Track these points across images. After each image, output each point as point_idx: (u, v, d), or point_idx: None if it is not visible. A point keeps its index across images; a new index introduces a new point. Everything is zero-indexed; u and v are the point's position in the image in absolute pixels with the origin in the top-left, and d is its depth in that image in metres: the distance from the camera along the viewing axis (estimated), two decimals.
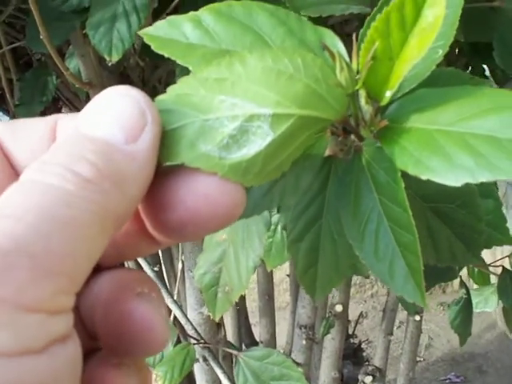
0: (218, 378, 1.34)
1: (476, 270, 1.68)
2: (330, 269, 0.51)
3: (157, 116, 0.29)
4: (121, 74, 1.25)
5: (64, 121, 0.31)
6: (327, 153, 0.43)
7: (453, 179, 0.35)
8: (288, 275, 2.01)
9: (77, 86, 1.08)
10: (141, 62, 1.21)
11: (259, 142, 0.30)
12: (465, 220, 0.54)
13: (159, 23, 0.44)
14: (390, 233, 0.40)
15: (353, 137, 0.42)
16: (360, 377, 1.98)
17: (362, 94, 0.40)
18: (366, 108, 0.40)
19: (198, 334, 1.09)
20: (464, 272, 1.63)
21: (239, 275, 0.78)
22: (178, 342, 1.14)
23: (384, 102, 0.40)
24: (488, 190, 0.71)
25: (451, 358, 3.30)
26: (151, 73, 1.26)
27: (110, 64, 0.90)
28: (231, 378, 1.04)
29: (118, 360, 0.30)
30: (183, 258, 1.34)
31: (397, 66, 0.38)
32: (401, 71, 0.38)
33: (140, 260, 1.11)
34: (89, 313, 0.30)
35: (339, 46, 0.42)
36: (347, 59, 0.40)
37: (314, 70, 0.33)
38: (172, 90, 0.31)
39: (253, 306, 2.42)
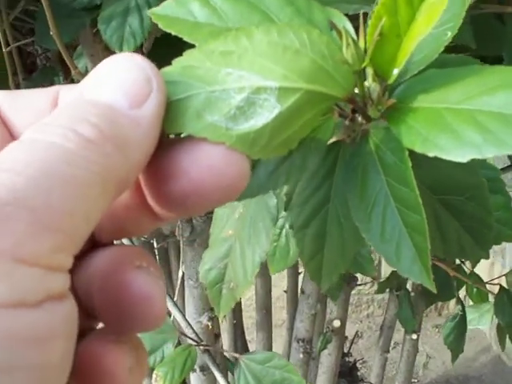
0: None
1: (475, 289, 1.67)
2: (336, 254, 0.51)
3: (162, 84, 0.29)
4: None
5: (66, 90, 0.31)
6: (335, 139, 0.43)
7: (460, 155, 0.35)
8: (285, 291, 2.01)
9: None
10: None
11: (266, 114, 0.30)
12: (474, 213, 0.53)
13: (167, 2, 0.44)
14: (397, 214, 0.40)
15: (360, 120, 0.42)
16: None
17: (369, 71, 0.40)
18: (374, 86, 0.40)
19: (199, 337, 1.09)
20: (461, 293, 1.63)
21: (245, 271, 0.77)
22: (178, 345, 1.13)
23: (391, 80, 0.40)
24: (497, 185, 0.71)
25: (445, 380, 3.28)
26: None
27: None
28: None
29: (115, 336, 0.30)
30: (183, 267, 1.34)
31: (404, 43, 0.38)
32: (408, 48, 0.38)
33: None
34: (86, 288, 0.30)
35: (347, 24, 0.42)
36: (355, 36, 0.40)
37: (320, 46, 0.33)
38: (177, 62, 0.30)
39: (249, 322, 2.40)
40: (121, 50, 0.89)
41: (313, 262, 0.52)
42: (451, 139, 0.35)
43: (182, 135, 0.29)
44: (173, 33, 0.42)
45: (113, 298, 0.29)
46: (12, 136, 0.30)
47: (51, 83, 1.22)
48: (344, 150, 0.46)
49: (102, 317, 0.30)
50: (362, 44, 0.39)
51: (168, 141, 0.30)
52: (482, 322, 1.80)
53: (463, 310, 1.57)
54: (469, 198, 0.53)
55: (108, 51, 0.95)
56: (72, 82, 1.27)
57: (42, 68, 1.30)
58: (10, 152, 0.25)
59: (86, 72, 1.12)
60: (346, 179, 0.44)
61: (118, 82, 0.28)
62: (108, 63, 0.29)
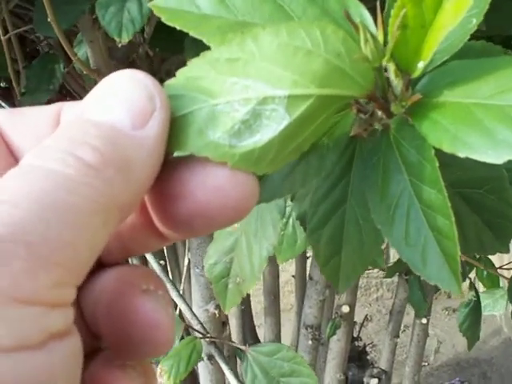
0: (223, 378, 1.32)
1: (485, 272, 1.65)
2: (354, 257, 0.49)
3: (166, 101, 0.27)
4: (129, 65, 1.23)
5: (68, 108, 0.30)
6: (351, 133, 0.41)
7: (494, 156, 0.32)
8: (293, 276, 2.00)
9: (85, 73, 1.06)
10: (150, 52, 1.19)
11: (274, 126, 0.28)
12: (493, 206, 0.51)
13: None
14: (422, 216, 0.37)
15: (380, 114, 0.39)
16: (365, 379, 1.97)
17: (391, 66, 0.37)
18: (396, 81, 0.37)
19: (204, 328, 1.07)
20: (472, 275, 1.61)
21: (251, 265, 0.75)
22: (183, 337, 1.11)
23: (416, 74, 0.37)
24: None
25: (456, 363, 3.29)
26: (160, 64, 1.24)
27: (119, 45, 0.88)
28: (237, 376, 1.02)
29: (121, 361, 0.29)
30: (189, 254, 1.33)
31: (430, 35, 0.35)
32: (435, 40, 0.35)
33: (146, 253, 1.09)
34: (92, 310, 0.29)
35: (364, 14, 0.39)
36: (373, 29, 0.37)
37: (335, 43, 0.31)
38: (181, 73, 0.29)
39: (258, 307, 2.40)
40: (119, 36, 0.87)
41: (329, 266, 0.50)
42: (483, 137, 0.33)
43: (187, 153, 0.28)
44: (177, 27, 0.39)
45: (119, 324, 0.28)
46: (14, 156, 0.30)
47: (52, 71, 1.20)
48: (361, 145, 0.44)
49: (108, 341, 0.29)
50: (381, 37, 0.36)
51: (173, 159, 0.28)
52: (497, 308, 1.79)
53: (477, 296, 1.55)
54: (488, 191, 0.51)
55: (108, 37, 0.93)
56: (74, 69, 1.25)
57: (42, 55, 1.28)
58: (7, 181, 0.24)
59: (87, 59, 1.10)
60: (365, 177, 0.41)
61: (119, 100, 0.27)
62: (109, 81, 0.28)
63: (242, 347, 1.03)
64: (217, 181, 0.27)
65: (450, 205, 0.35)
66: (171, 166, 0.28)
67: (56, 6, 0.91)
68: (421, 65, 0.36)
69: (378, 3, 0.37)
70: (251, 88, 0.28)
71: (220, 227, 0.29)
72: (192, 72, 0.29)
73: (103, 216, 0.24)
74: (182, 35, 0.40)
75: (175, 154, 0.29)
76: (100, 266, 0.30)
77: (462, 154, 0.33)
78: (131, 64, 1.23)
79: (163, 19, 0.39)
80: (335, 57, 0.30)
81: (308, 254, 1.84)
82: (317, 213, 0.49)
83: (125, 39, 0.87)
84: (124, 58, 1.19)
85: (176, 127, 0.28)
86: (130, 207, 0.27)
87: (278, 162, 0.30)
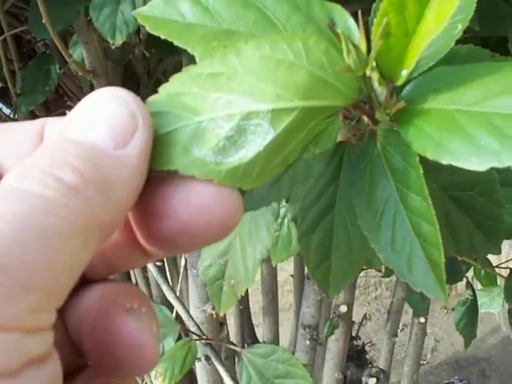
0: (220, 378, 1.32)
1: (483, 271, 1.65)
2: (343, 262, 0.49)
3: (148, 119, 0.27)
4: (125, 66, 1.23)
5: (52, 124, 0.29)
6: (339, 138, 0.41)
7: (477, 163, 0.32)
8: (292, 275, 2.00)
9: (80, 74, 1.06)
10: (146, 53, 1.19)
11: (259, 141, 0.28)
12: (484, 208, 0.51)
13: (154, 1, 0.41)
14: (407, 223, 0.37)
15: (366, 120, 0.39)
16: (364, 379, 1.97)
17: (375, 75, 0.37)
18: (380, 90, 0.37)
19: (200, 330, 1.07)
20: (469, 274, 1.61)
21: (246, 268, 0.75)
22: (180, 338, 1.11)
23: (400, 82, 0.37)
24: (508, 177, 0.68)
25: (455, 361, 3.29)
26: (156, 65, 1.24)
27: (113, 47, 0.87)
28: (234, 377, 1.02)
29: (105, 379, 0.29)
30: (186, 254, 1.32)
31: (413, 43, 0.35)
32: (418, 48, 0.35)
33: None
34: (76, 326, 0.29)
35: (349, 22, 0.39)
36: (357, 37, 0.37)
37: (317, 54, 0.31)
38: (164, 89, 0.29)
39: (256, 307, 2.40)
40: (113, 38, 0.87)
41: (320, 270, 0.50)
42: (466, 144, 0.32)
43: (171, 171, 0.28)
44: (162, 36, 0.39)
45: (103, 341, 0.27)
46: None
47: (47, 72, 1.20)
48: (349, 151, 0.44)
49: (92, 358, 0.28)
50: (363, 45, 0.36)
51: (157, 176, 0.28)
52: (494, 306, 1.78)
53: (474, 295, 1.54)
54: (479, 193, 0.51)
55: (103, 39, 0.93)
56: (70, 70, 1.25)
57: (38, 56, 1.28)
58: None
59: (82, 60, 1.10)
60: (353, 183, 0.41)
61: (101, 119, 0.27)
62: (91, 99, 0.27)
63: (237, 349, 1.03)
64: (201, 198, 0.27)
65: (434, 212, 0.35)
66: (154, 182, 0.28)
67: (51, 7, 0.90)
68: (404, 73, 0.36)
69: (359, 11, 0.37)
70: (235, 103, 0.28)
71: (205, 244, 0.29)
72: (174, 88, 0.28)
73: (83, 237, 0.24)
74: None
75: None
76: (85, 281, 0.30)
77: (445, 161, 0.33)
78: (127, 65, 1.23)
79: (147, 28, 0.39)
80: (318, 68, 0.30)
81: None
82: (306, 218, 0.49)
83: (118, 41, 0.87)
84: (120, 59, 1.19)
85: (160, 145, 0.28)
86: (111, 226, 0.26)
87: (264, 176, 0.29)
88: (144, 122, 0.27)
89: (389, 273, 1.79)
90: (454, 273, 1.46)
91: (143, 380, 1.47)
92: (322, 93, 0.31)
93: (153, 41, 1.12)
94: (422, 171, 0.35)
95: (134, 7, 0.86)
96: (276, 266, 1.87)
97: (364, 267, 1.73)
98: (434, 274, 0.36)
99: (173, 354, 1.04)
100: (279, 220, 0.85)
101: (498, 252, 0.56)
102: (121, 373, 0.28)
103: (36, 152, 0.26)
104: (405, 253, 0.37)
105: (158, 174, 0.28)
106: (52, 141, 0.27)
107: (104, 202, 0.25)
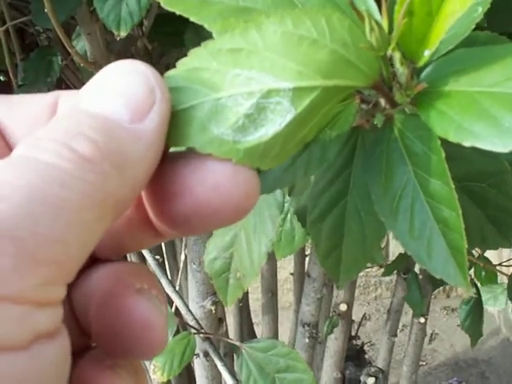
0: (219, 375, 1.31)
1: (483, 272, 1.65)
2: (356, 250, 0.48)
3: (166, 94, 0.26)
4: (128, 58, 1.22)
5: (66, 97, 0.29)
6: (354, 123, 0.40)
7: (500, 144, 0.31)
8: (292, 274, 1.99)
9: (82, 65, 1.06)
10: (149, 46, 1.18)
11: (278, 120, 0.27)
12: (496, 200, 0.50)
13: None
14: (427, 208, 0.36)
15: (383, 104, 0.39)
16: (362, 378, 1.97)
17: (397, 54, 0.36)
18: (402, 70, 0.36)
19: (199, 324, 1.06)
20: (470, 272, 1.61)
21: (251, 261, 0.75)
22: (178, 333, 1.11)
23: (422, 63, 0.36)
24: None
25: (454, 362, 3.29)
26: (159, 58, 1.23)
27: (118, 38, 0.87)
28: (232, 373, 1.01)
29: (112, 361, 0.28)
30: (186, 250, 1.32)
31: (437, 22, 0.34)
32: (441, 28, 0.34)
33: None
34: (83, 307, 0.28)
35: (369, 1, 0.38)
36: (378, 17, 0.36)
37: (341, 32, 0.30)
38: (182, 64, 0.28)
39: (256, 305, 2.40)
40: (118, 29, 0.87)
41: (330, 259, 0.49)
42: (489, 126, 0.32)
43: (187, 148, 0.27)
44: (177, 12, 0.38)
45: (110, 324, 0.27)
46: (8, 146, 0.28)
47: (49, 63, 1.20)
48: (363, 137, 0.43)
49: (98, 339, 0.28)
50: (385, 25, 0.35)
51: (173, 154, 0.28)
52: (498, 303, 1.78)
53: (478, 293, 1.54)
54: (491, 185, 0.50)
55: (106, 30, 0.92)
56: (72, 62, 1.24)
57: (39, 48, 1.28)
58: None
59: (85, 53, 1.09)
60: (367, 169, 0.40)
61: (118, 92, 0.26)
62: (108, 71, 0.27)
63: (237, 343, 1.02)
64: (217, 178, 0.26)
65: (456, 196, 0.35)
66: (170, 161, 0.27)
67: None
68: (427, 53, 0.35)
69: None
70: (255, 80, 0.27)
71: (218, 226, 0.28)
72: (193, 63, 0.28)
73: (97, 212, 0.24)
74: (183, 28, 0.39)
75: (173, 149, 0.28)
76: (94, 261, 0.29)
77: (467, 144, 0.32)
78: (130, 58, 1.22)
79: (162, 3, 0.38)
80: (341, 46, 0.30)
81: (307, 252, 1.84)
82: (317, 205, 0.48)
83: (123, 32, 0.87)
84: (122, 52, 1.18)
85: (177, 121, 0.27)
86: (125, 203, 0.26)
87: (283, 155, 0.29)
88: (162, 96, 0.26)
89: (389, 271, 1.79)
90: None
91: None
92: (344, 72, 0.30)
93: (156, 34, 1.12)
94: (443, 155, 0.35)
95: None
96: (276, 264, 1.87)
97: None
98: (455, 260, 0.36)
99: (171, 348, 1.03)
100: (282, 215, 0.85)
101: (509, 245, 0.56)
102: (127, 355, 0.28)
103: (49, 124, 0.25)
104: (424, 239, 0.37)
105: (173, 153, 0.27)
106: (66, 112, 0.26)
107: (119, 177, 0.25)
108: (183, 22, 0.39)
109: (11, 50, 1.29)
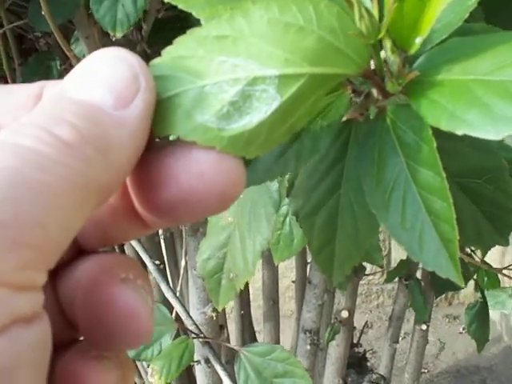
0: (220, 381, 1.31)
1: (486, 278, 1.64)
2: (349, 244, 0.47)
3: (151, 81, 0.26)
4: None
5: (51, 86, 0.28)
6: (346, 117, 0.40)
7: (493, 132, 0.31)
8: (293, 281, 1.99)
9: None
10: (148, 50, 1.18)
11: (264, 108, 0.27)
12: (492, 197, 0.50)
13: None
14: (419, 200, 0.36)
15: (376, 95, 0.38)
16: None
17: (387, 42, 0.36)
18: (393, 58, 0.36)
19: (199, 329, 1.06)
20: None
21: (245, 260, 0.74)
22: (177, 337, 1.11)
23: (413, 51, 0.36)
24: None
25: (456, 370, 3.28)
26: None
27: (114, 39, 0.87)
28: (233, 379, 1.01)
29: (97, 352, 0.28)
30: (187, 256, 1.32)
31: (428, 7, 0.34)
32: (433, 13, 0.34)
33: (141, 253, 1.08)
34: (69, 299, 0.28)
35: None
36: (368, 3, 0.36)
37: (329, 19, 0.30)
38: (167, 52, 0.28)
39: (257, 313, 2.40)
40: (114, 30, 0.87)
41: (323, 254, 0.49)
42: (481, 114, 0.31)
43: (172, 137, 0.27)
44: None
45: (96, 313, 0.27)
46: None
47: (47, 68, 1.20)
48: (356, 129, 0.43)
49: (84, 330, 0.28)
50: (375, 11, 0.35)
51: (157, 143, 0.27)
52: (507, 307, 1.77)
53: (483, 297, 1.53)
54: (487, 181, 0.50)
55: (104, 33, 0.92)
56: (70, 66, 1.24)
57: (38, 53, 1.28)
58: None
59: (83, 56, 1.09)
60: (360, 162, 0.40)
61: (102, 78, 0.26)
62: (93, 58, 0.27)
63: (236, 347, 1.02)
64: (202, 166, 0.26)
65: (447, 186, 0.34)
66: (155, 149, 0.27)
67: None
68: (418, 40, 0.35)
69: None
70: (240, 67, 0.27)
71: (204, 215, 0.28)
72: (179, 51, 0.27)
73: (78, 196, 0.24)
74: (182, 33, 0.39)
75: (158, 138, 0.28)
76: (80, 253, 0.30)
77: (460, 132, 0.32)
78: None
79: None
80: (329, 33, 0.29)
81: (308, 260, 1.84)
82: (310, 199, 0.48)
83: (119, 33, 0.87)
84: None
85: (161, 109, 0.27)
86: (109, 189, 0.26)
87: (268, 144, 0.28)
88: (147, 83, 0.26)
89: (391, 278, 1.78)
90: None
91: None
92: (332, 59, 0.30)
93: (155, 38, 1.12)
94: (435, 144, 0.34)
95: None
96: (277, 272, 1.87)
97: (366, 273, 1.72)
98: (447, 251, 0.35)
99: (169, 352, 1.03)
100: (281, 219, 0.85)
101: (506, 244, 0.55)
102: (113, 345, 0.28)
103: (32, 111, 0.25)
104: (415, 231, 0.36)
105: (158, 142, 0.27)
106: (50, 99, 0.26)
107: (102, 162, 0.24)
108: (182, 26, 0.38)
109: (9, 54, 1.29)
